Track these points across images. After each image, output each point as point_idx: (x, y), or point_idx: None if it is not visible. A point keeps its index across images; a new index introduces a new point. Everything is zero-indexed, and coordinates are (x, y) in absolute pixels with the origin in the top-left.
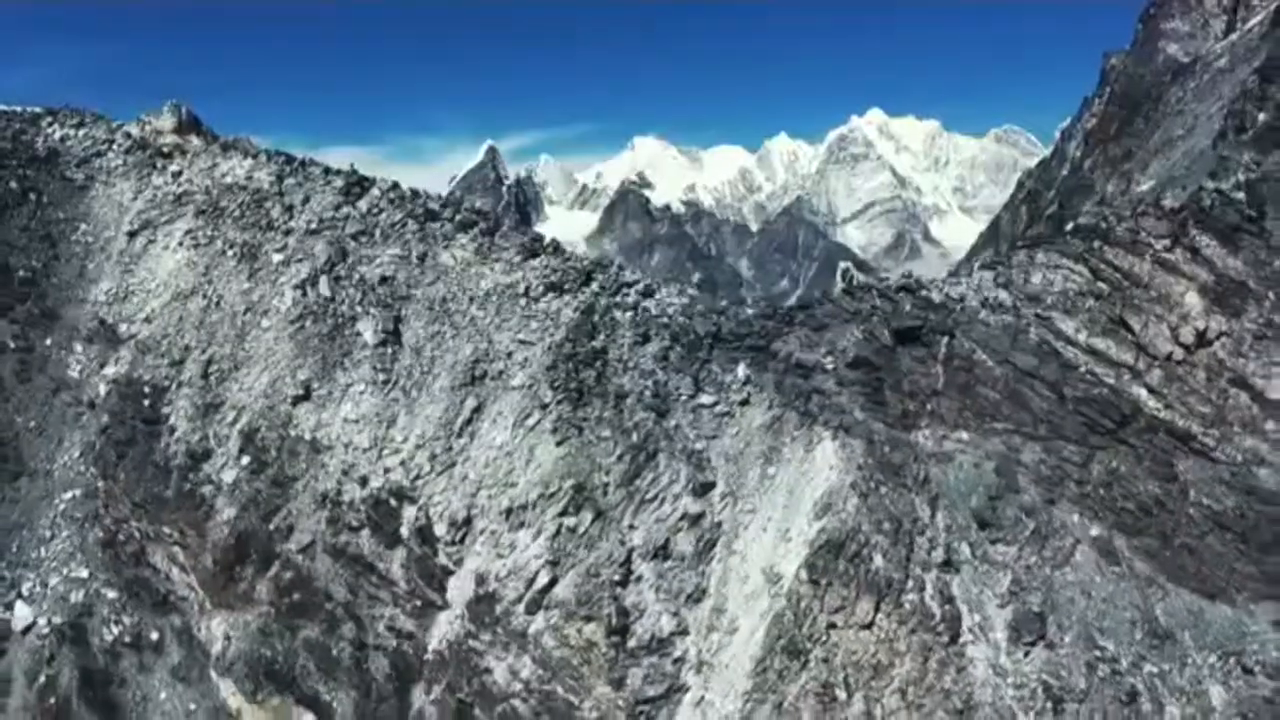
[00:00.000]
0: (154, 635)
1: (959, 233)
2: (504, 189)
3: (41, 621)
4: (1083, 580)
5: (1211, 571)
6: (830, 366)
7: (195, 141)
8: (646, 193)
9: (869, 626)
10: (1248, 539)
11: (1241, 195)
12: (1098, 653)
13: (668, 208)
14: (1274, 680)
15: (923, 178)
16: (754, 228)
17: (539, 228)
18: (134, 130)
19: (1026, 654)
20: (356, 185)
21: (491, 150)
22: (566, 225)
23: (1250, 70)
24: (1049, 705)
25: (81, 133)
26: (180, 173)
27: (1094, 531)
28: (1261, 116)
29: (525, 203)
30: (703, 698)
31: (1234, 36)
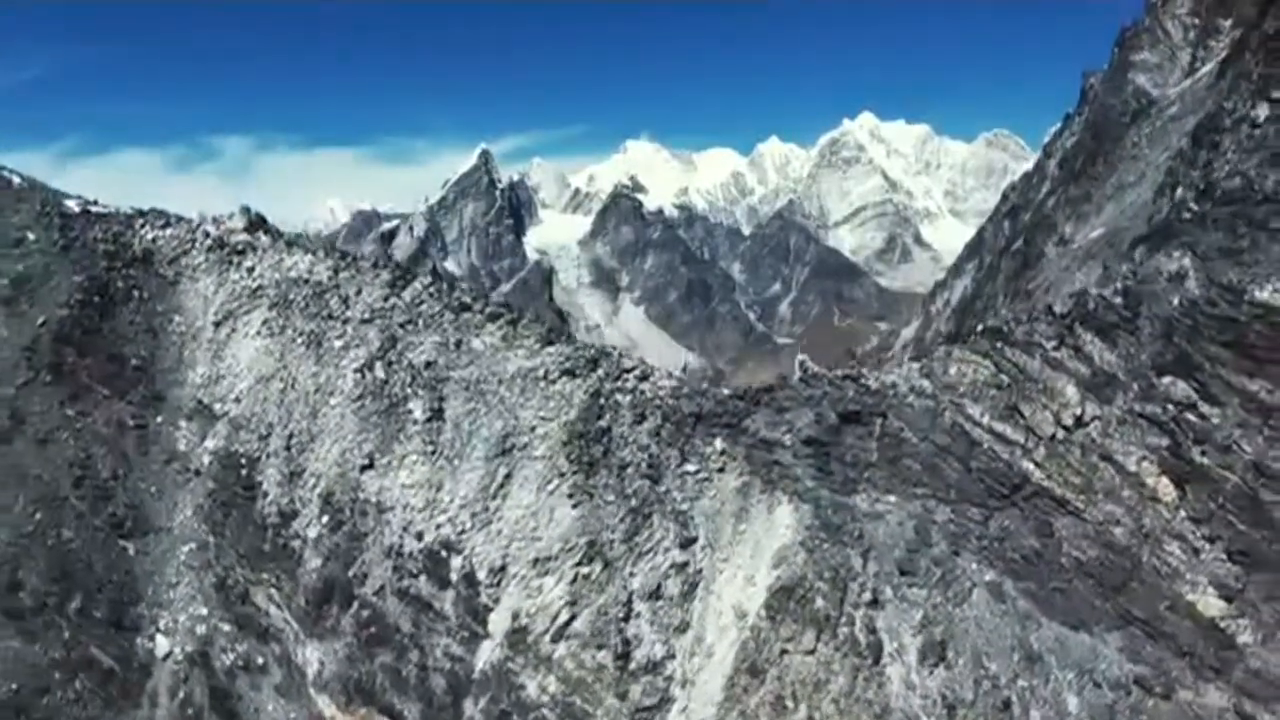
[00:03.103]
0: (260, 660)
1: (950, 236)
2: (497, 193)
3: (176, 650)
4: (976, 615)
5: (1076, 608)
6: (788, 443)
7: (263, 239)
8: (639, 196)
9: (812, 652)
10: (1104, 583)
11: (1120, 300)
12: (983, 671)
13: (660, 211)
14: (1114, 691)
15: (914, 181)
16: (746, 231)
17: (532, 231)
18: (211, 229)
19: (930, 672)
20: (400, 279)
21: (485, 154)
22: (559, 229)
23: (1194, 121)
24: (944, 712)
25: (168, 232)
26: (253, 268)
27: (988, 577)
28: (1180, 192)
29: (518, 206)
30: (686, 707)
31: (1187, 83)
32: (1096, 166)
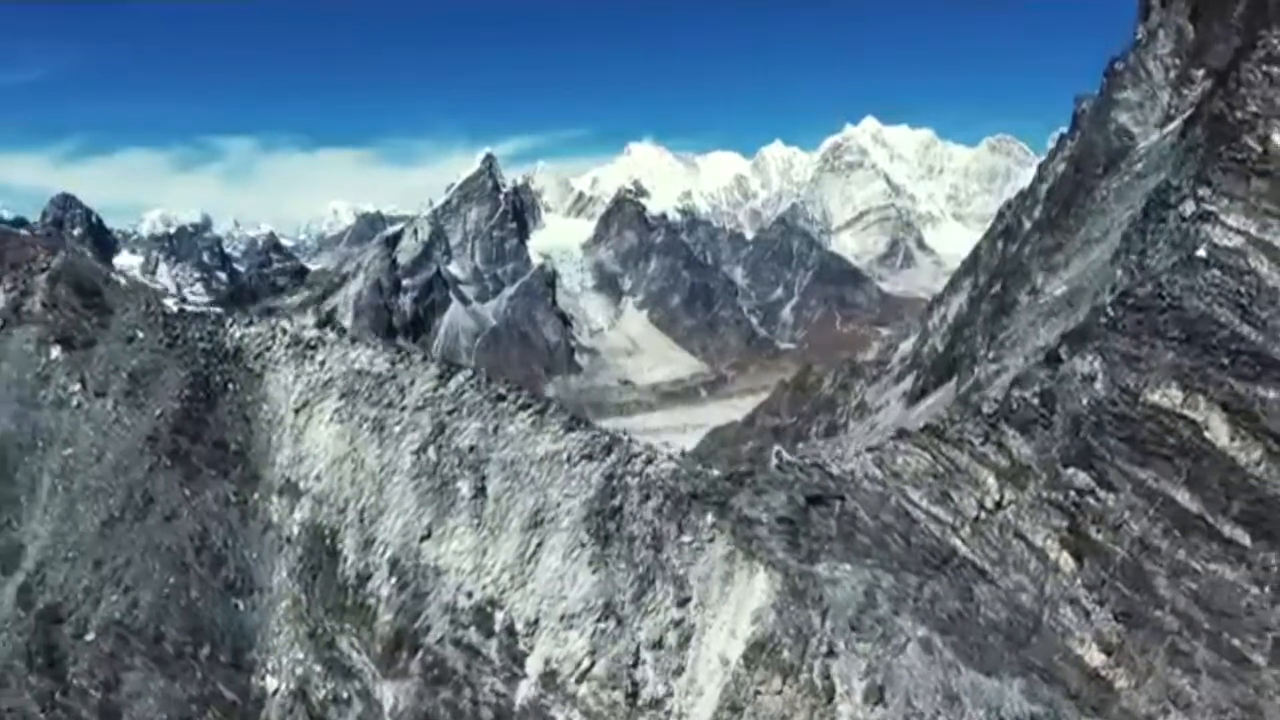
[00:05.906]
0: (346, 696)
1: (953, 241)
2: (501, 196)
3: (282, 687)
4: (909, 664)
5: (989, 659)
6: (765, 519)
7: (330, 335)
8: (642, 200)
9: (779, 693)
10: (1012, 638)
11: (1037, 401)
12: (912, 709)
13: (664, 216)
14: None
15: (917, 186)
16: (749, 235)
17: (536, 235)
18: (287, 325)
19: (872, 710)
20: (446, 371)
21: (489, 158)
22: (563, 233)
23: (1154, 183)
24: None
25: (252, 330)
26: (324, 362)
27: (920, 633)
28: (1119, 274)
29: (522, 210)
30: None
31: (1155, 137)
32: (1069, 218)
